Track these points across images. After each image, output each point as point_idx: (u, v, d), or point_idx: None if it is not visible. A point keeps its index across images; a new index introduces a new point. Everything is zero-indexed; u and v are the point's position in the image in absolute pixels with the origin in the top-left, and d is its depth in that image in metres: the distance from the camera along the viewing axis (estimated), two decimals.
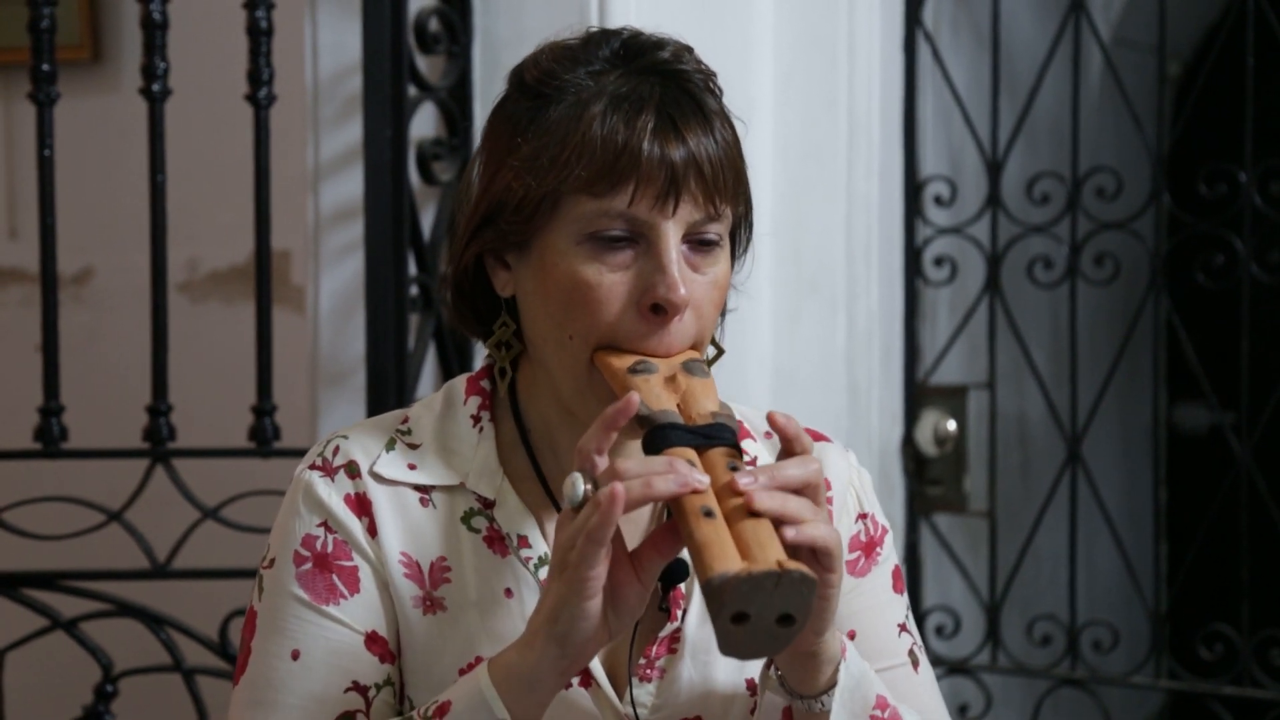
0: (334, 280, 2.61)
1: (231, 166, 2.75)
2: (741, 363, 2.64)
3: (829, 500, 1.49)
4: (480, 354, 2.59)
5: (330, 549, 1.42)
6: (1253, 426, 2.76)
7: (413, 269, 2.48)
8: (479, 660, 1.39)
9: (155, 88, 2.43)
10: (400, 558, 1.42)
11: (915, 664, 1.51)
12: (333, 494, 1.44)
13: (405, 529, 1.43)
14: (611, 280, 1.36)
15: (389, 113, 2.40)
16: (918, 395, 2.94)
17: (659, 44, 1.42)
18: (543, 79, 1.41)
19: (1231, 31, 2.82)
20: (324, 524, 1.43)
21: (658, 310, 1.36)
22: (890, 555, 1.54)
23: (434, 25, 2.52)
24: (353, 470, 1.44)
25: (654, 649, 1.43)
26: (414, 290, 2.48)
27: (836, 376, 2.75)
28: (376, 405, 2.40)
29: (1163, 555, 3.08)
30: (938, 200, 2.95)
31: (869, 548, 1.53)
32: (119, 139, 3.04)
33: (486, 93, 2.58)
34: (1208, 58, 2.91)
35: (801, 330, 2.72)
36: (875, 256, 2.80)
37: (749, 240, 1.49)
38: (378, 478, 1.44)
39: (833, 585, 1.29)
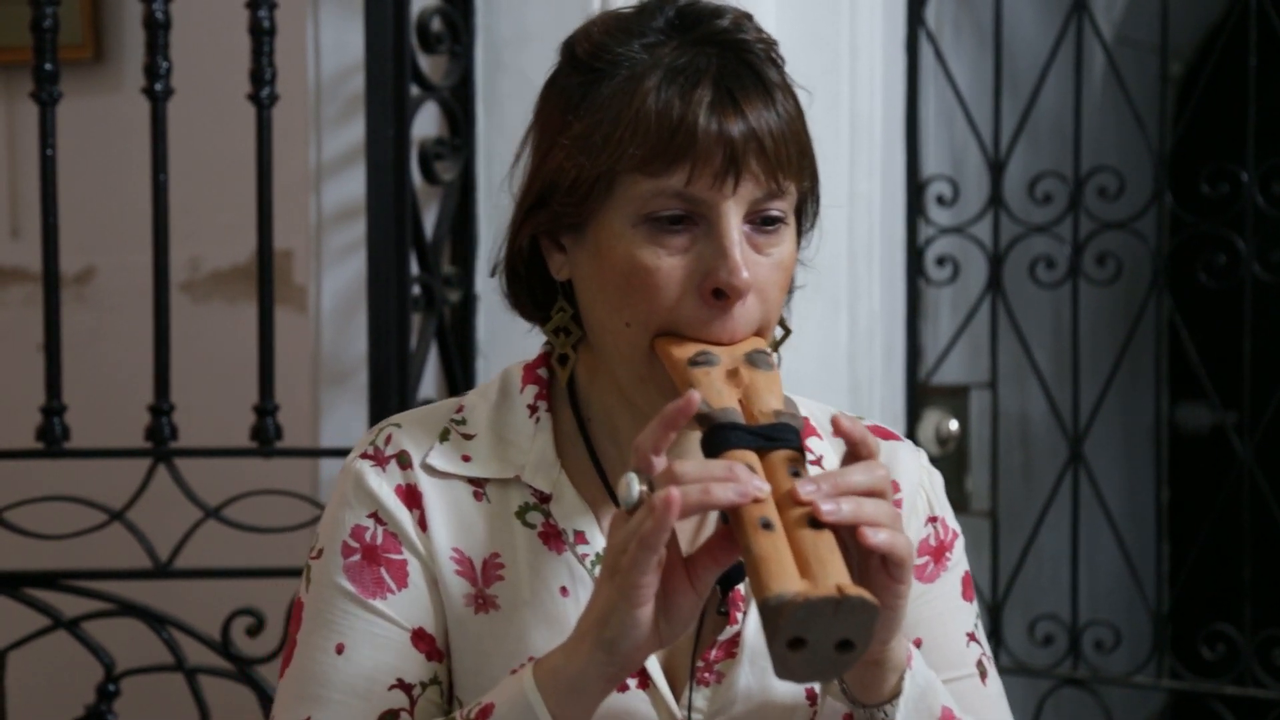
0: (336, 280, 2.62)
1: (233, 166, 2.75)
2: None
3: (898, 503, 1.43)
4: (481, 354, 2.60)
5: (379, 541, 1.37)
6: (1255, 426, 2.76)
7: (415, 268, 2.48)
8: (531, 661, 1.33)
9: (157, 87, 2.43)
10: (452, 554, 1.37)
11: (983, 675, 1.45)
12: (383, 484, 1.38)
13: (457, 524, 1.38)
14: (670, 264, 1.30)
15: (391, 112, 2.41)
16: (919, 395, 2.93)
17: (717, 11, 1.34)
18: (595, 52, 1.33)
19: (1234, 31, 2.82)
20: (374, 515, 1.38)
21: (719, 295, 1.30)
22: (960, 561, 1.48)
23: (436, 24, 2.52)
24: (404, 460, 1.39)
25: (712, 652, 1.38)
26: (416, 290, 2.48)
27: (838, 376, 2.74)
28: (378, 405, 2.40)
29: (1165, 555, 3.08)
30: (940, 200, 2.95)
31: (938, 552, 1.47)
32: (121, 138, 3.04)
33: (488, 92, 2.58)
34: (1210, 57, 2.91)
35: (803, 330, 2.71)
36: (877, 256, 2.79)
37: (816, 214, 1.42)
38: (430, 470, 1.39)
39: (902, 595, 1.23)
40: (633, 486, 1.21)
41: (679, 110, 1.28)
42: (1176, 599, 2.97)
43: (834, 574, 1.15)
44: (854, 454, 1.24)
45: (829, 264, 2.72)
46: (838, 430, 1.24)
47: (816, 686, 1.39)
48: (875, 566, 1.21)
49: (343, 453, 2.47)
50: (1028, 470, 3.36)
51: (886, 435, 1.49)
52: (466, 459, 1.40)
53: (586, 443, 1.41)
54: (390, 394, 2.40)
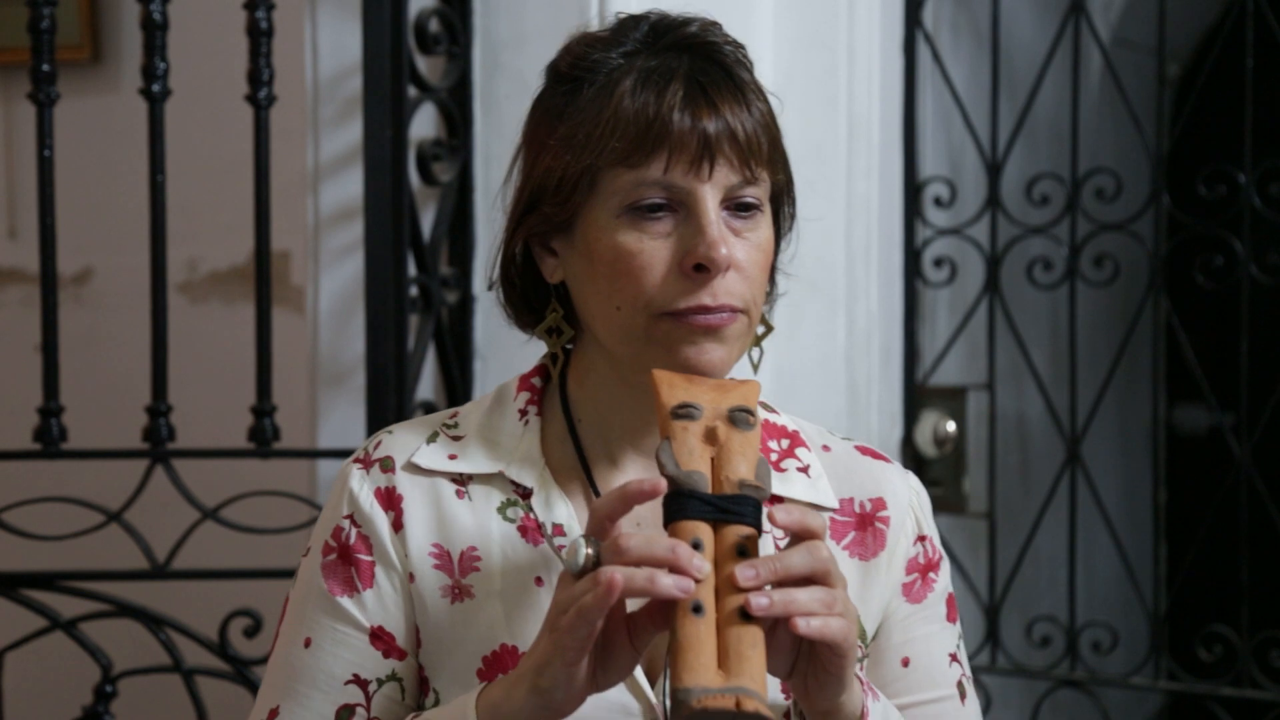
0: (334, 281, 2.62)
1: (231, 167, 2.75)
2: (741, 363, 2.64)
3: (886, 521, 1.51)
4: (479, 355, 2.60)
5: (352, 541, 1.45)
6: (1252, 427, 2.76)
7: (412, 269, 2.48)
8: (503, 648, 1.41)
9: (155, 88, 2.43)
10: (431, 549, 1.44)
11: (963, 695, 1.52)
12: (364, 487, 1.46)
13: (437, 520, 1.45)
14: (653, 246, 1.38)
15: (389, 113, 2.40)
16: (917, 396, 2.94)
17: (686, 20, 1.44)
18: (575, 63, 1.43)
19: (1231, 33, 2.82)
20: (351, 517, 1.46)
21: (700, 270, 1.37)
22: (946, 583, 1.55)
23: (434, 26, 2.52)
24: (387, 464, 1.47)
25: None
26: (414, 290, 2.48)
27: (836, 377, 2.74)
28: (376, 406, 2.40)
29: (1162, 556, 3.08)
30: (937, 201, 2.95)
31: (925, 570, 1.53)
32: (119, 139, 3.04)
33: (486, 93, 2.58)
34: (1207, 59, 2.91)
35: (801, 331, 2.72)
36: (875, 257, 2.80)
37: (794, 216, 1.51)
38: (414, 469, 1.46)
39: (845, 668, 1.28)
40: (580, 551, 1.27)
41: (654, 105, 1.37)
42: (1174, 600, 2.97)
43: (748, 673, 1.21)
44: (795, 539, 1.29)
45: (827, 265, 2.73)
46: (774, 523, 1.28)
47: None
48: (818, 644, 1.27)
49: (341, 454, 2.48)
50: (1025, 471, 3.36)
51: (877, 457, 1.56)
52: (452, 457, 1.47)
53: (576, 445, 1.47)
54: (388, 395, 2.40)
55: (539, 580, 1.42)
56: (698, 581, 1.23)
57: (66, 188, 2.55)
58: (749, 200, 1.40)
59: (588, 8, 2.47)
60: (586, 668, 1.27)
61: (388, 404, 2.39)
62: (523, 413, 1.48)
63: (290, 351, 2.66)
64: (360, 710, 1.43)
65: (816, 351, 2.73)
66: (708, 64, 1.40)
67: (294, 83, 2.59)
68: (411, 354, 2.47)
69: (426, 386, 2.56)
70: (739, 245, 1.39)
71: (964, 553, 2.98)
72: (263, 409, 2.47)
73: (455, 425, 1.49)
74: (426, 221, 2.55)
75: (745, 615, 1.23)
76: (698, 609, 1.23)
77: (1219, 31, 2.89)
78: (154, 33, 2.42)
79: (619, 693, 1.40)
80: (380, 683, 1.44)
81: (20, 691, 2.65)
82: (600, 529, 1.29)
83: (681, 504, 1.27)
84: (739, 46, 1.46)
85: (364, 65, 2.41)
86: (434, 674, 1.45)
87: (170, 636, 2.51)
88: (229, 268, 3.16)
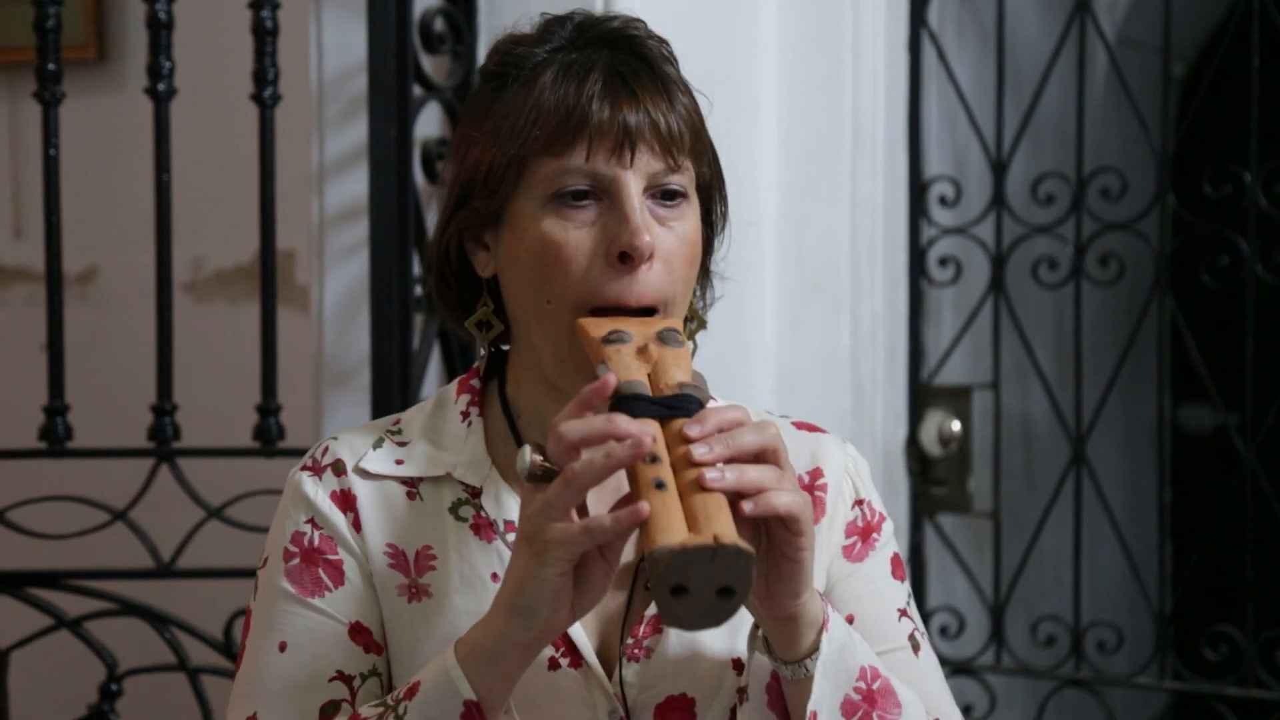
0: (338, 280, 2.62)
1: (236, 166, 2.76)
2: (745, 363, 2.64)
3: (824, 488, 1.54)
4: (483, 354, 2.60)
5: (316, 543, 1.47)
6: (1257, 427, 2.76)
7: (417, 269, 2.49)
8: None
9: (160, 87, 2.43)
10: (386, 549, 1.47)
11: (916, 649, 1.53)
12: (319, 491, 1.48)
13: (390, 521, 1.47)
14: (578, 235, 1.40)
15: (394, 112, 2.41)
16: (922, 395, 2.93)
17: (610, 17, 1.49)
18: (502, 60, 1.47)
19: (1236, 32, 2.81)
20: (310, 520, 1.48)
21: (624, 259, 1.40)
22: (889, 543, 1.57)
23: (439, 25, 2.52)
24: (339, 468, 1.49)
25: (641, 629, 1.46)
26: (418, 290, 2.49)
27: (841, 376, 2.74)
28: (381, 405, 2.40)
29: (1167, 556, 3.08)
30: (942, 200, 2.95)
31: (865, 533, 1.55)
32: (124, 138, 3.05)
33: None
34: (1213, 58, 2.91)
35: (805, 330, 2.72)
36: (879, 257, 2.80)
37: (725, 216, 1.52)
38: (364, 473, 1.49)
39: (803, 549, 1.31)
40: (525, 457, 1.30)
41: (574, 95, 1.41)
42: (1179, 600, 2.97)
43: (719, 525, 1.23)
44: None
45: (831, 264, 2.73)
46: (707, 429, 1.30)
47: (742, 655, 1.46)
48: (775, 523, 1.30)
49: None
50: (1030, 471, 3.36)
51: (814, 430, 1.58)
52: (400, 462, 1.50)
53: (517, 440, 1.50)
54: (392, 394, 2.40)
55: (494, 576, 1.45)
56: (655, 463, 1.26)
57: (72, 187, 2.55)
58: (674, 187, 1.43)
59: (591, 8, 2.46)
60: (566, 583, 1.29)
61: (392, 403, 2.39)
62: (465, 414, 1.51)
63: (295, 350, 2.67)
64: (346, 705, 1.44)
65: (821, 351, 2.73)
66: (629, 56, 1.44)
67: (299, 82, 2.59)
68: (416, 353, 2.47)
69: (431, 386, 2.56)
70: (663, 234, 1.42)
71: (969, 552, 2.98)
72: (268, 408, 2.48)
73: (399, 431, 1.52)
74: (431, 221, 2.55)
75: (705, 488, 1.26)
76: (660, 485, 1.25)
77: (1224, 31, 2.89)
78: (159, 32, 2.43)
79: (578, 686, 1.43)
80: (363, 678, 1.45)
81: (26, 690, 2.65)
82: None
83: (627, 407, 1.30)
84: (663, 42, 1.49)
85: (369, 64, 2.41)
86: (396, 675, 1.47)
87: (175, 635, 2.51)
88: (234, 267, 3.16)
